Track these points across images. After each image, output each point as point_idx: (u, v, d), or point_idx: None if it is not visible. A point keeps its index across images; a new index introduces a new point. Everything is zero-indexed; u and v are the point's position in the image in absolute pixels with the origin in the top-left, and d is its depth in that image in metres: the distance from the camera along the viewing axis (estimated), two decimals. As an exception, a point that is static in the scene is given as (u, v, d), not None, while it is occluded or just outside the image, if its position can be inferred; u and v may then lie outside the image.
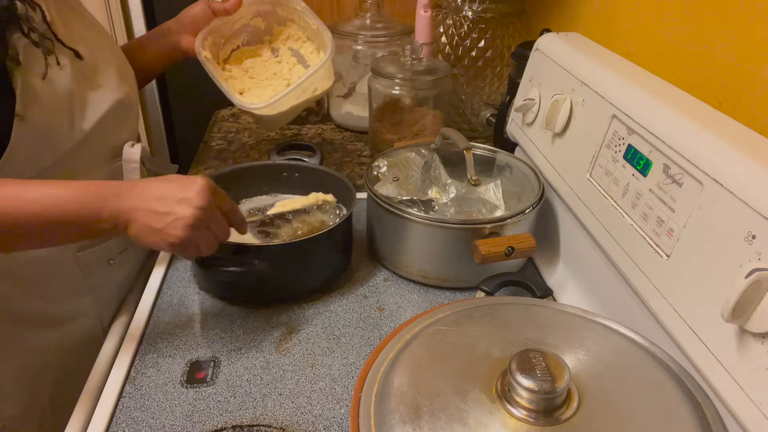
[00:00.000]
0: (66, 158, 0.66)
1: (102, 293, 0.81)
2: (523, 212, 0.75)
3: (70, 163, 0.68)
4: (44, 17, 0.64)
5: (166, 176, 0.61)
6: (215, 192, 0.60)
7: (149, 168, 0.83)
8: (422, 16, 1.09)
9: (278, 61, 0.97)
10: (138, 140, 0.81)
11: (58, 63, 0.65)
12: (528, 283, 0.71)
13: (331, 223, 0.79)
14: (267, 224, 0.81)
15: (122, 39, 1.87)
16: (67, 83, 0.66)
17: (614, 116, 0.66)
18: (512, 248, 0.72)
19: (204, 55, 0.89)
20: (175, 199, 0.57)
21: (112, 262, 0.81)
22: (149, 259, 0.90)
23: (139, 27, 1.90)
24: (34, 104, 0.62)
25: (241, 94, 0.94)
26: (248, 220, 0.72)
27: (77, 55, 0.68)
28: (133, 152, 0.76)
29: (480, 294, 0.71)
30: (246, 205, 0.88)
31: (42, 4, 0.64)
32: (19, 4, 0.61)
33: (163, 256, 0.84)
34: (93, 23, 0.76)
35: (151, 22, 1.92)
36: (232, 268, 0.69)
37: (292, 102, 0.92)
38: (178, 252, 0.61)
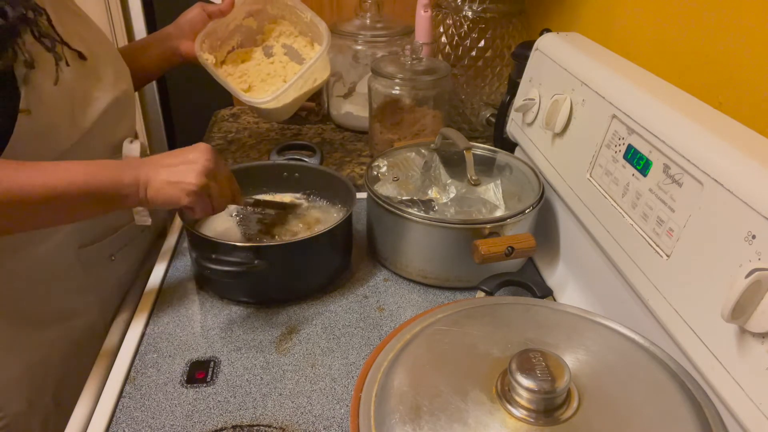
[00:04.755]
0: (66, 155, 0.66)
1: (103, 289, 0.81)
2: (523, 212, 0.75)
3: (70, 159, 0.69)
4: (49, 21, 0.64)
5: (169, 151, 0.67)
6: (216, 152, 0.68)
7: None
8: (422, 16, 1.09)
9: (271, 62, 1.00)
10: (136, 136, 0.81)
11: (68, 64, 0.66)
12: (528, 283, 0.71)
13: (329, 222, 0.79)
14: (262, 214, 0.85)
15: (122, 40, 1.87)
16: (69, 82, 0.66)
17: (614, 116, 0.66)
18: (512, 248, 0.72)
19: (204, 57, 0.91)
20: (185, 157, 0.65)
21: (113, 258, 0.81)
22: (150, 254, 0.90)
23: (139, 28, 1.90)
24: (39, 103, 0.63)
25: (244, 92, 0.96)
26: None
27: (81, 56, 0.69)
28: (132, 148, 0.76)
29: (480, 294, 0.71)
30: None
31: (46, 8, 0.64)
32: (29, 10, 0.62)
33: (164, 255, 0.84)
34: (86, 20, 0.76)
35: (151, 23, 1.92)
36: (232, 268, 0.69)
37: (294, 94, 0.96)
38: (193, 203, 0.65)
